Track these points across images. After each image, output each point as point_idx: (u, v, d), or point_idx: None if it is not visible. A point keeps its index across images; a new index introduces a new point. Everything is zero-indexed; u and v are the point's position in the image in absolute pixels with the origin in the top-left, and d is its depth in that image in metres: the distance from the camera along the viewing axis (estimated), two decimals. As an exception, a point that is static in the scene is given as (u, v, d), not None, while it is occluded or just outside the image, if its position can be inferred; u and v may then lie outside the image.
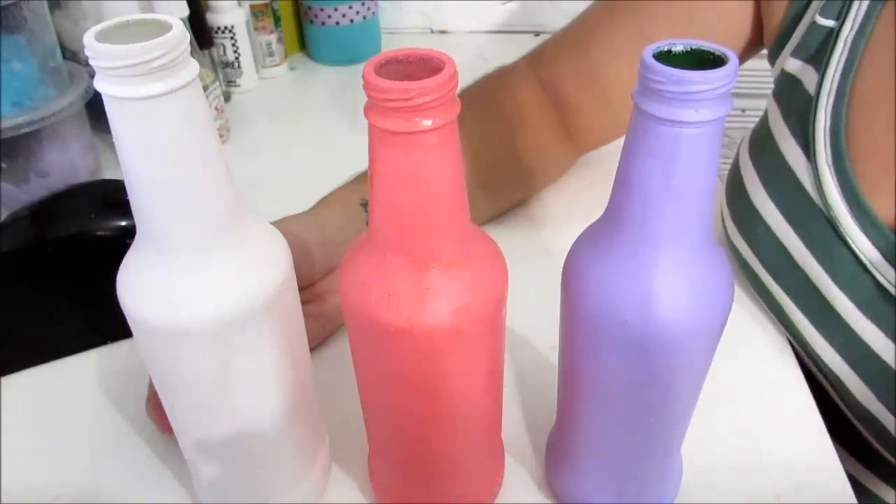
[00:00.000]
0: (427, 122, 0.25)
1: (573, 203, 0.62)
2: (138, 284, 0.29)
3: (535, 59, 0.59)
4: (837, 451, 0.42)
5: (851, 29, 0.43)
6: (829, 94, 0.44)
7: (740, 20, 0.51)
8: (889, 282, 0.41)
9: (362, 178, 0.51)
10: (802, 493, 0.39)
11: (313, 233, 0.44)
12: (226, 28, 0.80)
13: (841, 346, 0.44)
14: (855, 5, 0.43)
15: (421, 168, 0.26)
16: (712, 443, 0.41)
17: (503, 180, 0.57)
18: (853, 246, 0.42)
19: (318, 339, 0.48)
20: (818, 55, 0.45)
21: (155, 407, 0.40)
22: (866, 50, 0.43)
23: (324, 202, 0.49)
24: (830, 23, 0.45)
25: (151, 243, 0.28)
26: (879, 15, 0.43)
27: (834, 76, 0.43)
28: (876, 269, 0.41)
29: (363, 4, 0.87)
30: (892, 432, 0.43)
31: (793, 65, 0.47)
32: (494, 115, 0.56)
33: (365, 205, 0.49)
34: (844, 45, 0.43)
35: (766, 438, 0.42)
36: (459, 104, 0.26)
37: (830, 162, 0.43)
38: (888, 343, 0.41)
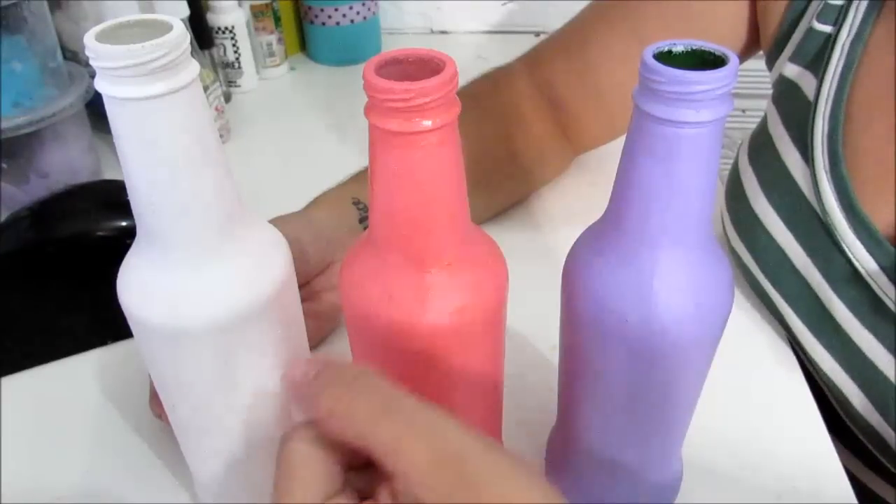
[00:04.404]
0: (427, 123, 0.25)
1: (573, 203, 0.62)
2: (139, 284, 0.29)
3: (530, 60, 0.59)
4: (838, 449, 0.42)
5: (849, 35, 0.43)
6: (827, 100, 0.43)
7: (735, 23, 0.51)
8: (884, 292, 0.41)
9: (354, 178, 0.52)
10: (802, 494, 0.39)
11: (306, 231, 0.44)
12: (226, 28, 0.80)
13: (840, 354, 0.44)
14: (852, 11, 0.43)
15: (421, 168, 0.26)
16: (712, 443, 0.41)
17: (500, 179, 0.57)
18: (849, 254, 0.42)
19: (317, 338, 0.48)
20: (816, 61, 0.45)
21: (159, 402, 0.41)
22: (864, 56, 0.43)
23: (316, 202, 0.49)
24: (828, 28, 0.44)
25: (152, 243, 0.28)
26: (876, 21, 0.43)
27: (832, 82, 0.43)
28: (872, 278, 0.41)
29: (363, 5, 0.87)
30: (891, 444, 0.43)
31: (791, 70, 0.47)
32: (490, 115, 0.56)
33: (357, 203, 0.49)
34: (842, 50, 0.43)
35: (766, 439, 0.42)
36: (460, 104, 0.26)
37: (827, 167, 0.43)
38: (885, 354, 0.41)
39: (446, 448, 0.22)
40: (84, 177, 0.65)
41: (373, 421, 0.23)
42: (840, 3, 0.44)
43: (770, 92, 0.51)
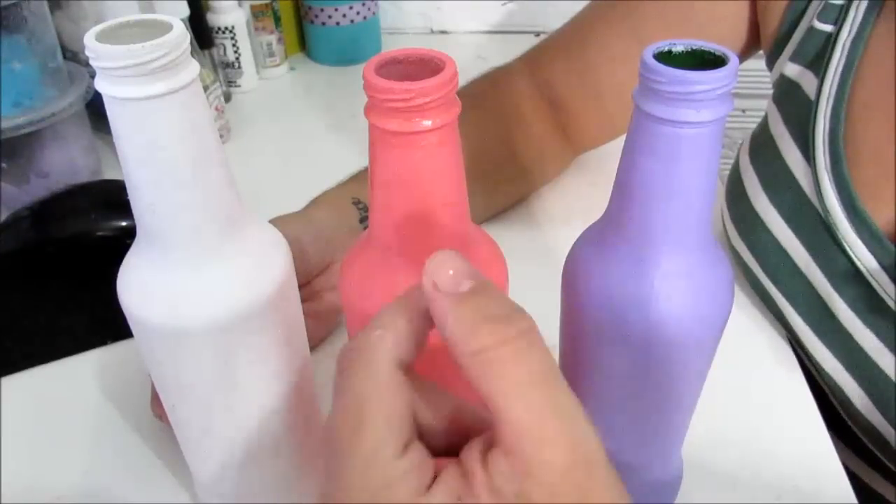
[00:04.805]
0: (427, 123, 0.25)
1: (574, 203, 0.62)
2: (139, 284, 0.29)
3: (530, 60, 0.59)
4: (839, 448, 0.42)
5: (849, 34, 0.43)
6: (828, 99, 0.43)
7: (735, 22, 0.51)
8: (885, 291, 0.41)
9: (354, 178, 0.52)
10: (802, 494, 0.39)
11: (307, 231, 0.44)
12: (226, 28, 0.80)
13: (841, 353, 0.44)
14: (852, 10, 0.43)
15: (421, 168, 0.26)
16: (712, 443, 0.41)
17: (500, 179, 0.58)
18: (850, 253, 0.42)
19: (318, 338, 0.48)
20: (817, 60, 0.45)
21: (160, 404, 0.41)
22: (864, 55, 0.43)
23: (315, 202, 0.49)
24: (828, 28, 0.45)
25: (152, 243, 0.28)
26: (877, 20, 0.43)
27: (833, 81, 0.43)
28: (872, 277, 0.41)
29: (363, 5, 0.87)
30: (892, 443, 0.43)
31: (792, 69, 0.47)
32: (490, 115, 0.56)
33: (357, 203, 0.49)
34: (843, 49, 0.43)
35: (766, 439, 0.42)
36: (460, 104, 0.26)
37: (829, 167, 0.43)
38: (887, 353, 0.41)
39: (584, 452, 0.20)
40: (84, 177, 0.65)
41: (521, 389, 0.19)
42: (841, 2, 0.44)
43: (770, 92, 0.51)
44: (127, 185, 0.27)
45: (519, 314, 0.21)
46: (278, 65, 0.88)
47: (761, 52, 0.52)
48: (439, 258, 0.21)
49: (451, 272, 0.20)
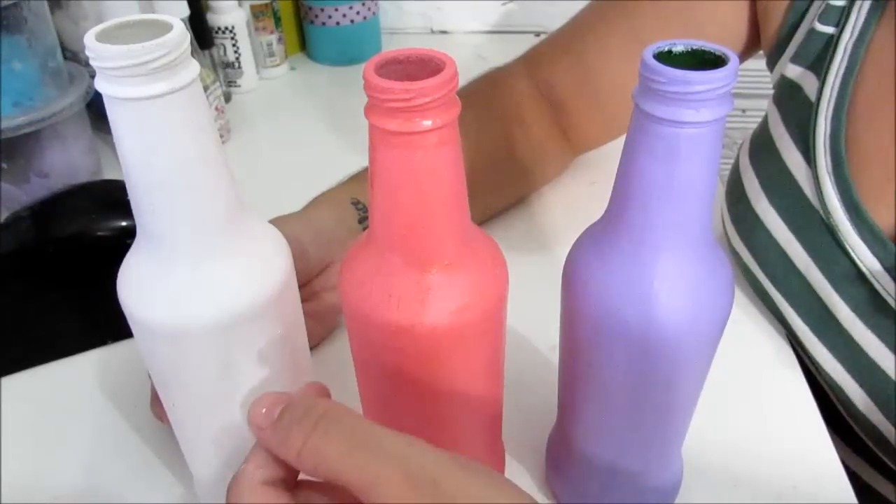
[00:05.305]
0: (427, 123, 0.25)
1: (574, 203, 0.62)
2: (139, 284, 0.29)
3: (530, 61, 0.59)
4: (839, 447, 0.42)
5: (851, 36, 0.43)
6: (829, 101, 0.43)
7: (734, 22, 0.51)
8: (887, 292, 0.41)
9: (354, 178, 0.52)
10: (802, 494, 0.39)
11: (307, 231, 0.44)
12: (226, 28, 0.80)
13: (841, 354, 0.44)
14: (854, 12, 0.43)
15: (421, 168, 0.26)
16: (712, 443, 0.41)
17: (500, 180, 0.58)
18: (852, 254, 0.42)
19: (317, 338, 0.48)
20: (818, 62, 0.45)
21: (160, 404, 0.41)
22: (866, 56, 0.43)
23: (315, 202, 0.49)
24: (830, 29, 0.44)
25: (152, 243, 0.28)
26: (879, 22, 0.43)
27: (834, 83, 0.43)
28: (875, 278, 0.41)
29: (363, 5, 0.87)
30: (893, 442, 0.43)
31: (793, 71, 0.47)
32: (490, 115, 0.56)
33: (356, 203, 0.49)
34: (844, 51, 0.43)
35: (766, 439, 0.42)
36: (460, 104, 0.26)
37: (830, 169, 0.43)
38: (888, 353, 0.41)
39: (419, 472, 0.22)
40: (84, 177, 0.65)
41: (344, 456, 0.23)
42: (842, 4, 0.44)
43: (770, 92, 0.51)
44: (127, 185, 0.27)
45: (315, 403, 0.25)
46: (278, 65, 0.88)
47: (761, 52, 0.52)
48: (253, 404, 0.25)
49: (263, 410, 0.25)
